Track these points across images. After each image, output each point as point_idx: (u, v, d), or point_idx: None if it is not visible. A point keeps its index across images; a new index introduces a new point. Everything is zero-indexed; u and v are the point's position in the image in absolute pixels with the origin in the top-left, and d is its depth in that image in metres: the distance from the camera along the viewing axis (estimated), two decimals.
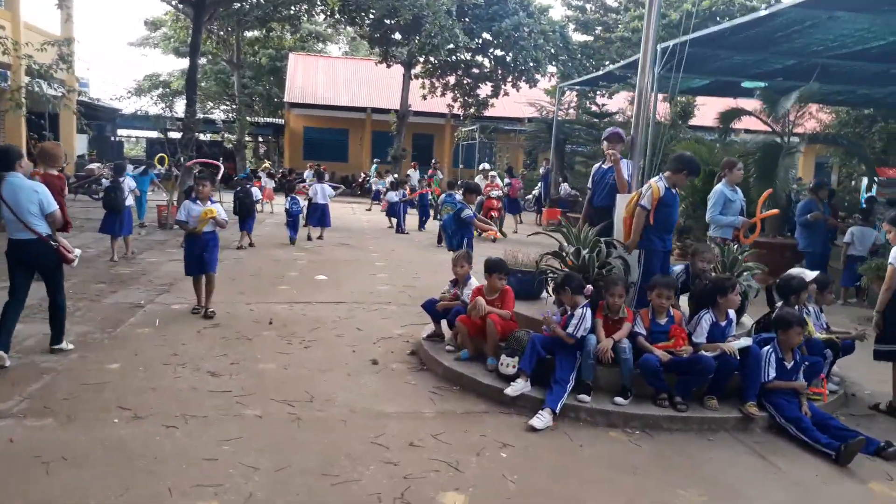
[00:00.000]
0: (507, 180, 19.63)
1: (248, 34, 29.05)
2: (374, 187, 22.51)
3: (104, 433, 3.97)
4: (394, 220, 15.64)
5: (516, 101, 28.70)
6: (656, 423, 4.53)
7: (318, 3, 23.36)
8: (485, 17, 20.80)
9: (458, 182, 13.39)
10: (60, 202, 5.50)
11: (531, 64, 22.01)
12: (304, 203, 13.14)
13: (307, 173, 21.41)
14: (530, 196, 20.71)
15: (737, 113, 12.83)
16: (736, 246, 6.04)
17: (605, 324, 4.89)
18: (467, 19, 19.49)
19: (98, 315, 6.68)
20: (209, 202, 6.74)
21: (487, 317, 5.16)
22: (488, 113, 27.97)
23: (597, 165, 6.22)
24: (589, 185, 6.24)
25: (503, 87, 26.65)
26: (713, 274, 5.42)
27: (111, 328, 6.22)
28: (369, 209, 20.83)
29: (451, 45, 19.94)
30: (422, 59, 26.69)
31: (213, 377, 5.05)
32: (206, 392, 4.73)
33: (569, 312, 4.89)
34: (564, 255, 5.37)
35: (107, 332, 6.11)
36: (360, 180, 28.28)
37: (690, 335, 4.89)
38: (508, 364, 4.85)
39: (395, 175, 26.38)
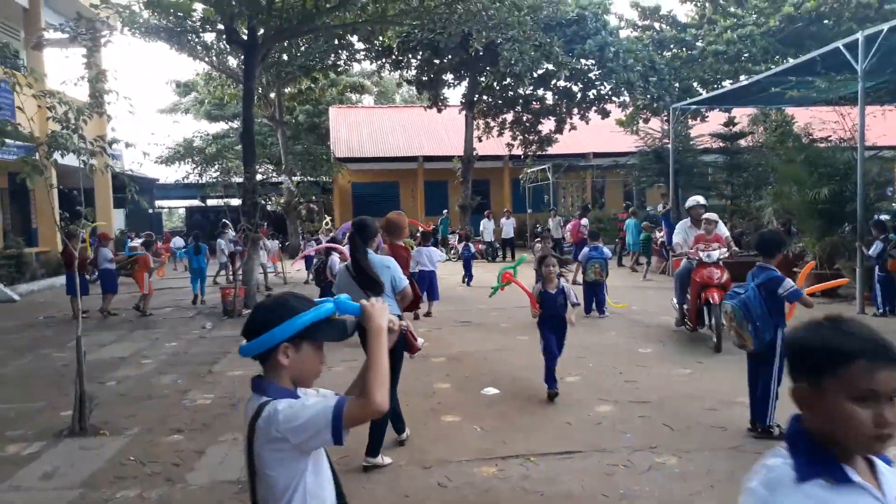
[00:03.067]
0: (582, 222, 17.23)
1: (287, 90, 26.93)
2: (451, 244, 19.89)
3: None
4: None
5: (581, 135, 26.02)
6: None
7: (367, 45, 21.17)
8: (563, 38, 18.17)
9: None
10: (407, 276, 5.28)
11: (622, 87, 19.22)
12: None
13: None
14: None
15: None
16: None
17: None
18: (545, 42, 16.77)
19: None
20: None
21: None
22: (550, 151, 25.29)
23: None
24: None
25: (569, 120, 24.02)
26: None
27: None
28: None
29: (541, 71, 17.39)
30: (475, 98, 24.27)
31: None
32: None
33: None
34: None
35: None
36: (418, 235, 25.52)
37: None
38: None
39: (467, 227, 23.72)
